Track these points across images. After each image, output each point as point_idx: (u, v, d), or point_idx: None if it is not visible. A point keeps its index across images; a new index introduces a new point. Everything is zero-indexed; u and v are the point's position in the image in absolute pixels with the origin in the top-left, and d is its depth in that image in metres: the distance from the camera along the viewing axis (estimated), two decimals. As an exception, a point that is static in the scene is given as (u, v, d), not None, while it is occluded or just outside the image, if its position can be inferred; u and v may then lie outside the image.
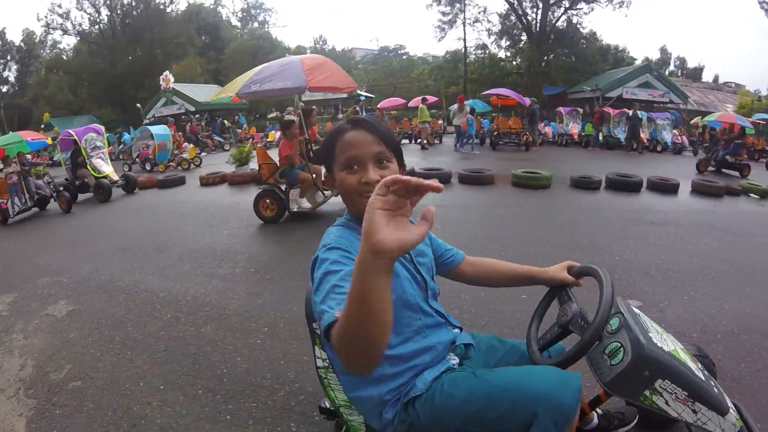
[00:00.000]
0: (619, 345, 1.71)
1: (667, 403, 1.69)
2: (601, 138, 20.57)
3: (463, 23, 40.42)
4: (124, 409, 3.04)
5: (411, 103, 23.93)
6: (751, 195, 12.07)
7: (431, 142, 19.24)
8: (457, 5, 40.16)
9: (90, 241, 7.29)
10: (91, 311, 4.59)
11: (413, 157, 15.09)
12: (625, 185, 10.45)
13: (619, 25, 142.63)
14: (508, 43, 41.90)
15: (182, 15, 48.36)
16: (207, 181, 11.14)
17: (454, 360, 1.77)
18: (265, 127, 28.33)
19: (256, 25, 58.08)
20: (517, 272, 2.05)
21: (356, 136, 1.52)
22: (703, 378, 1.75)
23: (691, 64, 78.01)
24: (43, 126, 29.81)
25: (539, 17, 37.96)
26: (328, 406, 2.13)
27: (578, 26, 39.52)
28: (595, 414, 2.16)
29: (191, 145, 17.55)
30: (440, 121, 23.16)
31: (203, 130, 23.34)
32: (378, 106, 26.84)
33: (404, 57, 60.40)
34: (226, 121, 27.01)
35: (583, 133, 21.49)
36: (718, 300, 4.70)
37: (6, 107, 46.15)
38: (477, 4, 42.30)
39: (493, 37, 41.89)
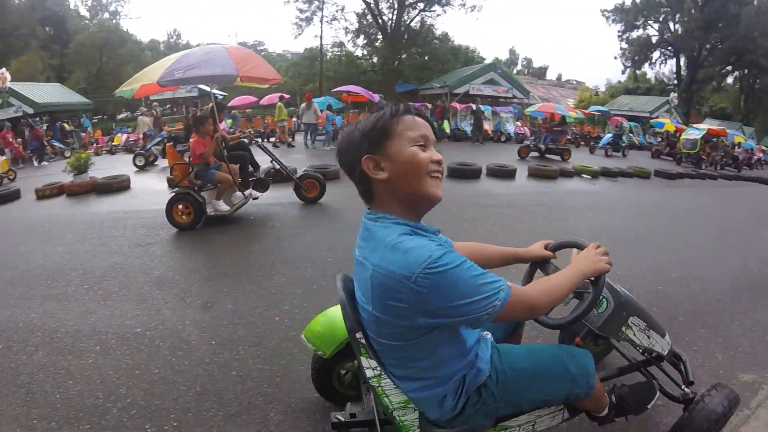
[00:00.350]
0: (602, 297, 2.23)
1: (634, 334, 2.33)
2: (448, 131, 22.07)
3: (321, 21, 40.76)
4: (-39, 453, 2.91)
5: (264, 101, 23.66)
6: (584, 176, 13.61)
7: (284, 140, 19.24)
8: (315, 2, 40.40)
9: None
10: None
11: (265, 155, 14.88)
12: (465, 173, 11.31)
13: (472, 28, 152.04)
14: (365, 41, 42.79)
15: (26, 3, 42.62)
16: (43, 194, 10.25)
17: (486, 333, 2.04)
18: (112, 130, 26.60)
19: (106, 15, 53.25)
20: (504, 254, 2.35)
21: (419, 120, 1.64)
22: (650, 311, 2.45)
23: (537, 64, 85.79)
24: None
25: (395, 17, 39.17)
26: (342, 419, 2.29)
27: (432, 27, 41.41)
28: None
29: (3, 158, 15.84)
30: (294, 119, 23.31)
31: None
32: (229, 104, 26.29)
33: (263, 53, 59.49)
34: (66, 125, 24.92)
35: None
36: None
37: None
38: (335, 3, 42.74)
39: (350, 36, 42.73)
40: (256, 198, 8.01)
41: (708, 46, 50.93)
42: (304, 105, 18.21)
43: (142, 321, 4.21)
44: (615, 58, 57.41)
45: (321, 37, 40.94)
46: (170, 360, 3.59)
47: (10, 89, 24.62)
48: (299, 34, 42.77)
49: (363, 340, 1.79)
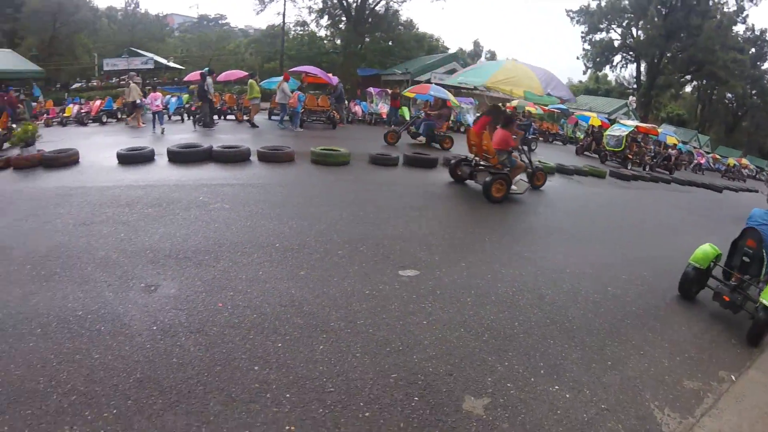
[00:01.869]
0: None
1: None
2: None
3: (284, -3, 39.81)
4: None
5: (222, 77, 22.61)
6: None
7: (240, 119, 18.70)
8: None
9: None
10: None
11: (235, 134, 14.72)
12: (420, 162, 11.33)
13: (437, 17, 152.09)
14: (328, 22, 42.13)
15: (-24, -38, 40.20)
16: (-12, 166, 9.62)
17: None
18: (64, 100, 25.48)
19: (62, -20, 50.75)
20: None
21: None
22: None
23: (501, 57, 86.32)
24: None
25: (359, 1, 38.72)
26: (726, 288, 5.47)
27: (397, 13, 41.13)
28: None
29: None
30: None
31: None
32: (185, 78, 25.64)
33: (224, 27, 58.10)
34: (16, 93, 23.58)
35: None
36: (492, 264, 5.58)
37: None
38: None
39: (313, 15, 41.84)
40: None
41: (668, 54, 53.33)
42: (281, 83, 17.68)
43: (84, 304, 4.13)
44: (577, 58, 58.74)
45: (284, 15, 39.81)
46: (111, 345, 3.56)
47: (-44, 55, 23.07)
48: (261, 10, 41.35)
49: None
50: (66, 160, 9.60)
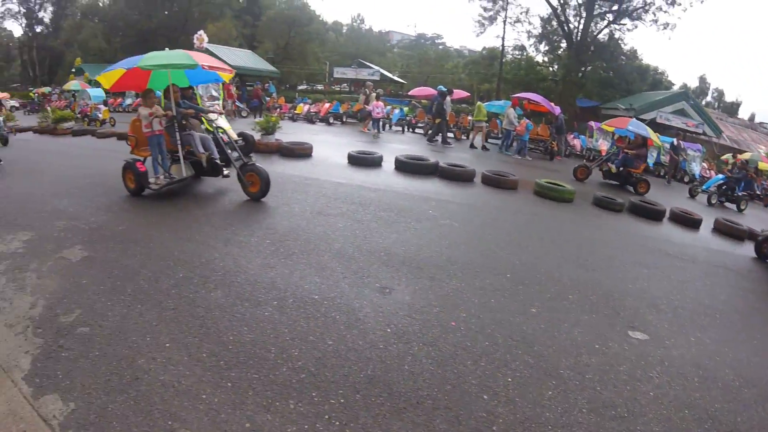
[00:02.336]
0: None
1: None
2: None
3: (504, 21, 39.87)
4: (129, 360, 3.10)
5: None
6: None
7: (459, 137, 18.75)
8: (500, 2, 39.28)
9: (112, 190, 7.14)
10: (106, 260, 4.60)
11: (455, 153, 14.95)
12: (647, 213, 10.12)
13: (661, 48, 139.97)
14: (546, 48, 41.28)
15: (221, -25, 47.05)
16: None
17: None
18: (294, 99, 28.15)
19: (295, -7, 57.01)
20: None
21: None
22: None
23: (729, 98, 76.28)
24: (74, 70, 29.60)
25: (581, 27, 37.34)
26: None
27: (620, 42, 38.88)
28: None
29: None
30: (469, 117, 22.56)
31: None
32: (409, 92, 26.73)
33: (440, 47, 60.00)
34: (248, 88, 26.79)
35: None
36: (722, 345, 4.71)
37: (39, 48, 46.36)
38: (520, 4, 41.52)
39: (532, 40, 41.18)
40: None
41: None
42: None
43: (320, 289, 4.25)
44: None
45: (503, 39, 39.91)
46: (345, 336, 3.57)
47: (207, 49, 27.03)
48: (481, 32, 42.04)
49: None
50: (301, 151, 10.43)
